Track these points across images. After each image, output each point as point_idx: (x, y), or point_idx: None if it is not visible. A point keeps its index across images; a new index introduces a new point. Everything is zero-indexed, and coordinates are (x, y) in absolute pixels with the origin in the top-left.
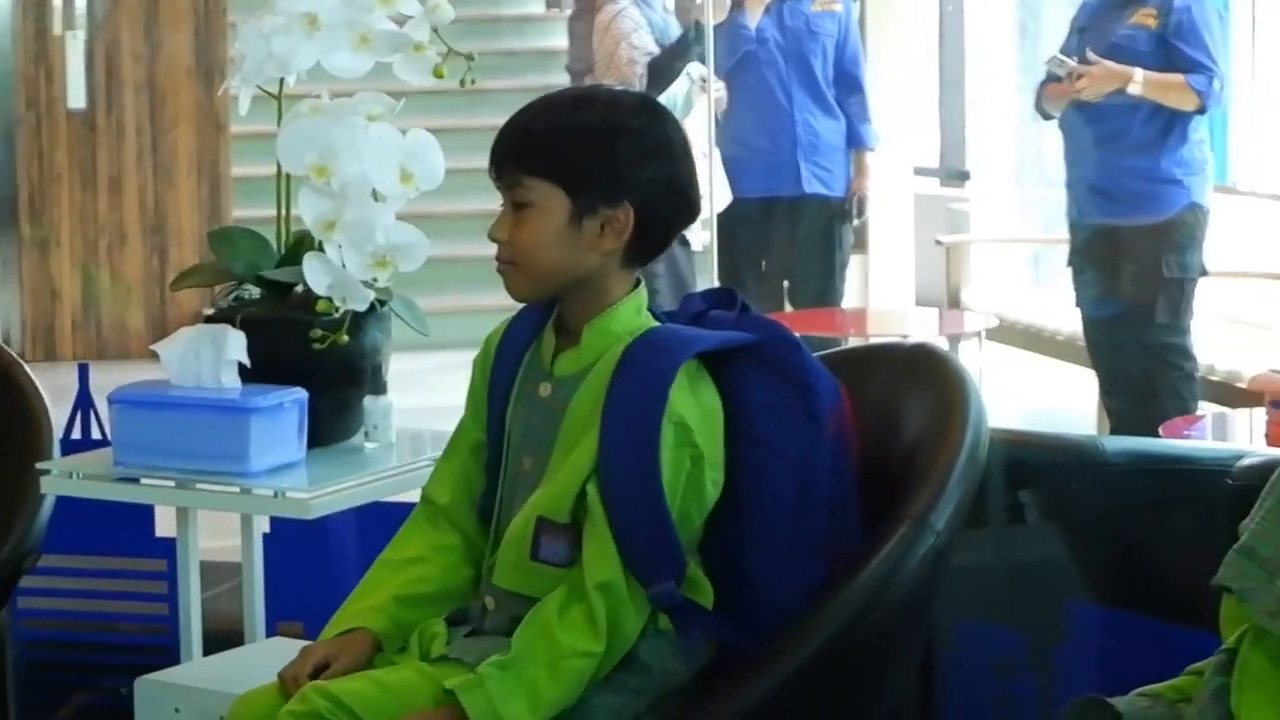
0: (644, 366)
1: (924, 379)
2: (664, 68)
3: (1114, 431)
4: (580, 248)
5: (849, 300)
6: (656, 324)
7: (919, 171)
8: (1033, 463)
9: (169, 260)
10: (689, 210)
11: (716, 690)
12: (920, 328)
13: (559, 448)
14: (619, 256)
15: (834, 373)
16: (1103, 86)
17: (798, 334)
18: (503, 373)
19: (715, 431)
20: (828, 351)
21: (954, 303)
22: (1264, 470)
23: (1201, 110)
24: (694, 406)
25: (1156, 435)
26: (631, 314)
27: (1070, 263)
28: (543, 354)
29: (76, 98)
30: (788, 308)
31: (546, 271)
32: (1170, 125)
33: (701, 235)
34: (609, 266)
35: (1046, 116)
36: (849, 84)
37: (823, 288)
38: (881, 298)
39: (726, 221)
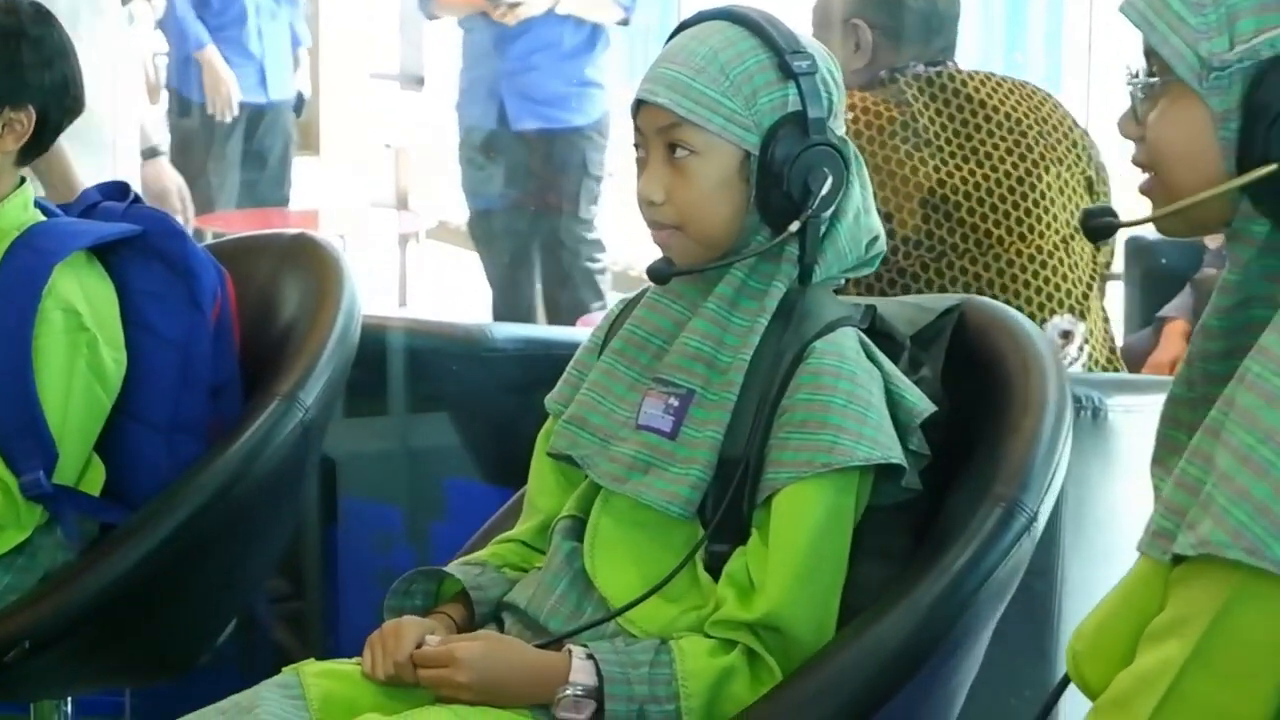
0: (25, 260)
1: (302, 266)
2: None
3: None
4: None
5: (304, 201)
6: (44, 218)
7: (376, 76)
8: (428, 349)
9: None
10: (79, 110)
11: (86, 563)
12: (370, 227)
13: None
14: (14, 156)
15: (220, 261)
16: (535, 9)
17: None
18: None
19: (109, 315)
20: (212, 242)
21: (403, 204)
22: None
23: (625, 22)
24: (82, 294)
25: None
26: (19, 210)
27: (469, 162)
28: None
29: None
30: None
31: None
32: (594, 36)
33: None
34: (4, 165)
35: (431, 17)
36: None
37: (272, 191)
38: (335, 199)
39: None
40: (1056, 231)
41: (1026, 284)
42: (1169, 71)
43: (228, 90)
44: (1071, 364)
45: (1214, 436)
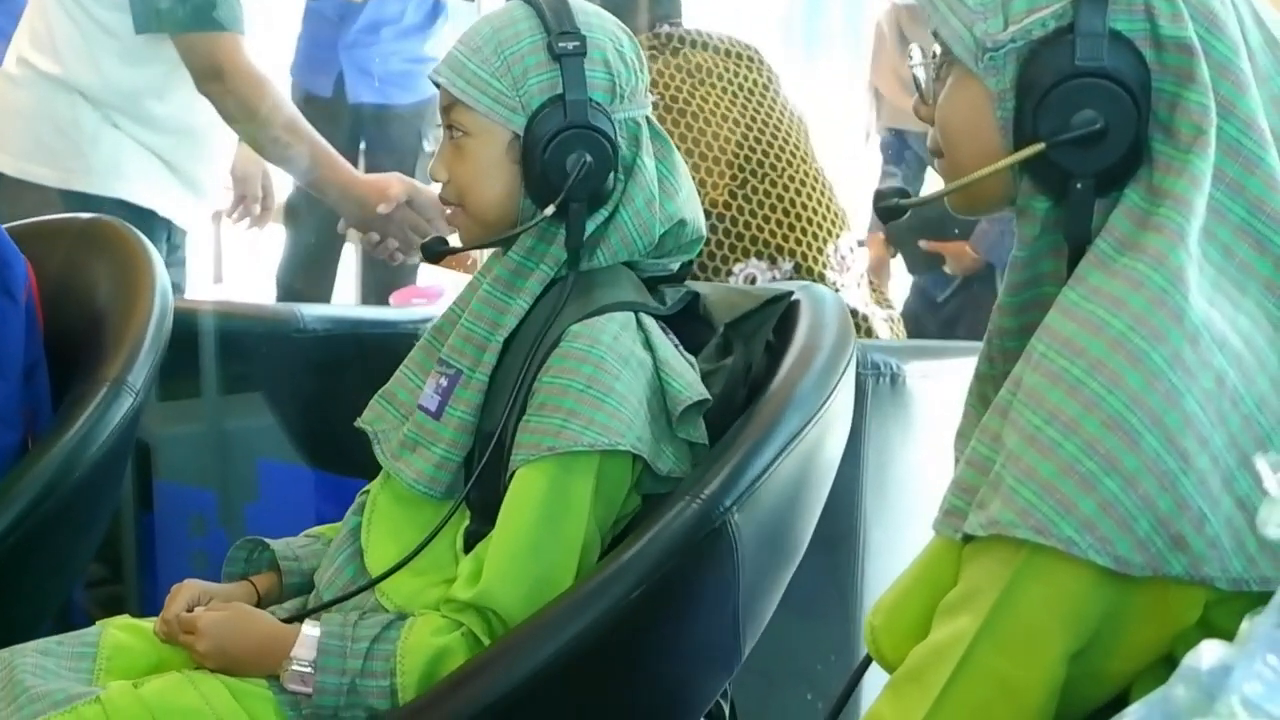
0: None
1: (105, 250)
2: None
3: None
4: None
5: None
6: None
7: None
8: (239, 330)
9: None
10: None
11: None
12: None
13: None
14: None
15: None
16: None
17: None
18: None
19: None
20: (9, 225)
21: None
22: None
23: None
24: None
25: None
26: None
27: None
28: None
29: None
30: None
31: None
32: (435, 11)
33: None
34: None
35: None
36: None
37: None
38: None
39: None
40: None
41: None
42: (950, 53)
43: None
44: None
45: (1002, 416)
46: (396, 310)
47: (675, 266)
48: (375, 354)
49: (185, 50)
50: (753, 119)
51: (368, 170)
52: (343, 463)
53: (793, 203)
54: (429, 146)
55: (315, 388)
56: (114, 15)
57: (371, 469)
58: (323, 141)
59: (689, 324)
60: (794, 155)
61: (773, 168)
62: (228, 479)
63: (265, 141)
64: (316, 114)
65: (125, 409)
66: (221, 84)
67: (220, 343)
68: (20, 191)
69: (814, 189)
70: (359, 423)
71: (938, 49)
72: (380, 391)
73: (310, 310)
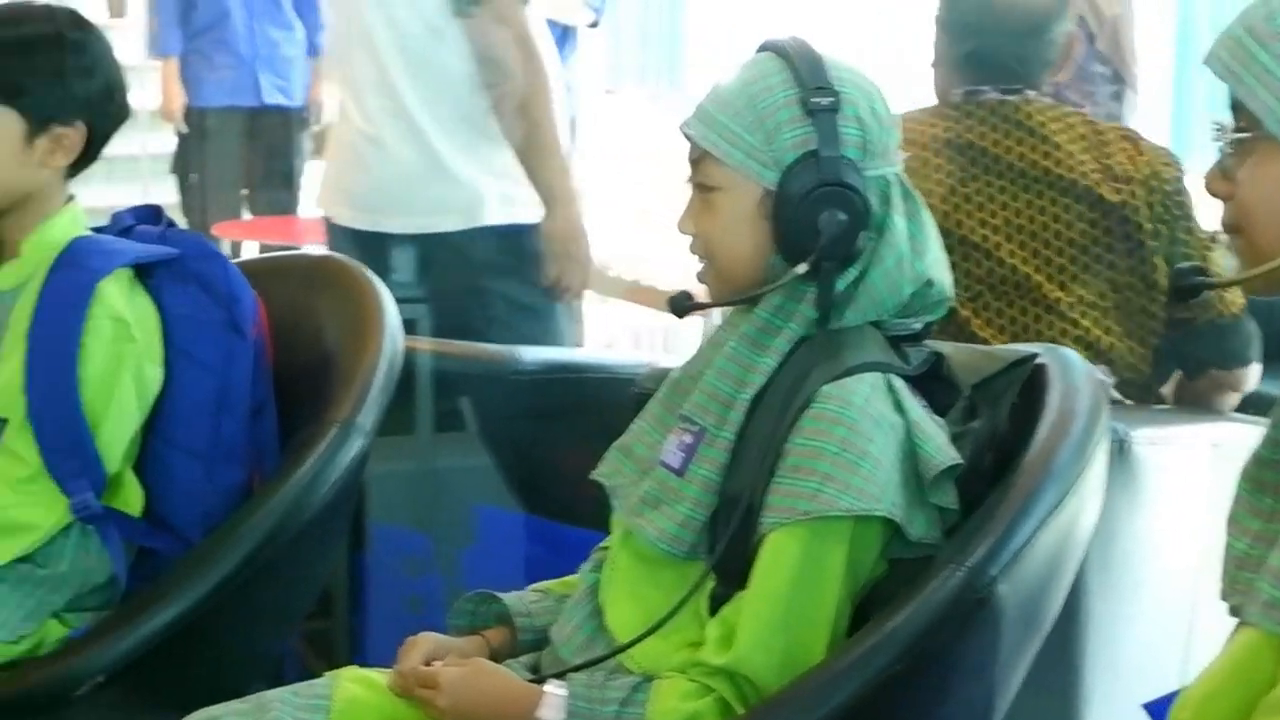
0: (74, 270)
1: (333, 288)
2: None
3: None
4: (31, 166)
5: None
6: (88, 234)
7: None
8: (455, 371)
9: None
10: (125, 117)
11: (147, 599)
12: None
13: (5, 354)
14: (64, 171)
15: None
16: None
17: (261, 242)
18: None
19: (152, 332)
20: (239, 260)
21: None
22: (663, 378)
23: (595, 24)
24: (130, 306)
25: None
26: (68, 225)
27: None
28: None
29: None
30: (246, 215)
31: None
32: (564, 39)
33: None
34: (54, 181)
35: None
36: None
37: (281, 199)
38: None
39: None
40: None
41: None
42: (1259, 126)
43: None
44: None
45: None
46: (614, 355)
47: (918, 326)
48: (592, 399)
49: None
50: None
51: None
52: (559, 510)
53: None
54: None
55: (531, 432)
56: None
57: (589, 518)
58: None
59: (933, 385)
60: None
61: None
62: (443, 523)
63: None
64: None
65: (354, 451)
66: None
67: (436, 383)
68: (431, 247)
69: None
70: (595, 475)
71: (1234, 121)
72: (616, 444)
73: (528, 353)
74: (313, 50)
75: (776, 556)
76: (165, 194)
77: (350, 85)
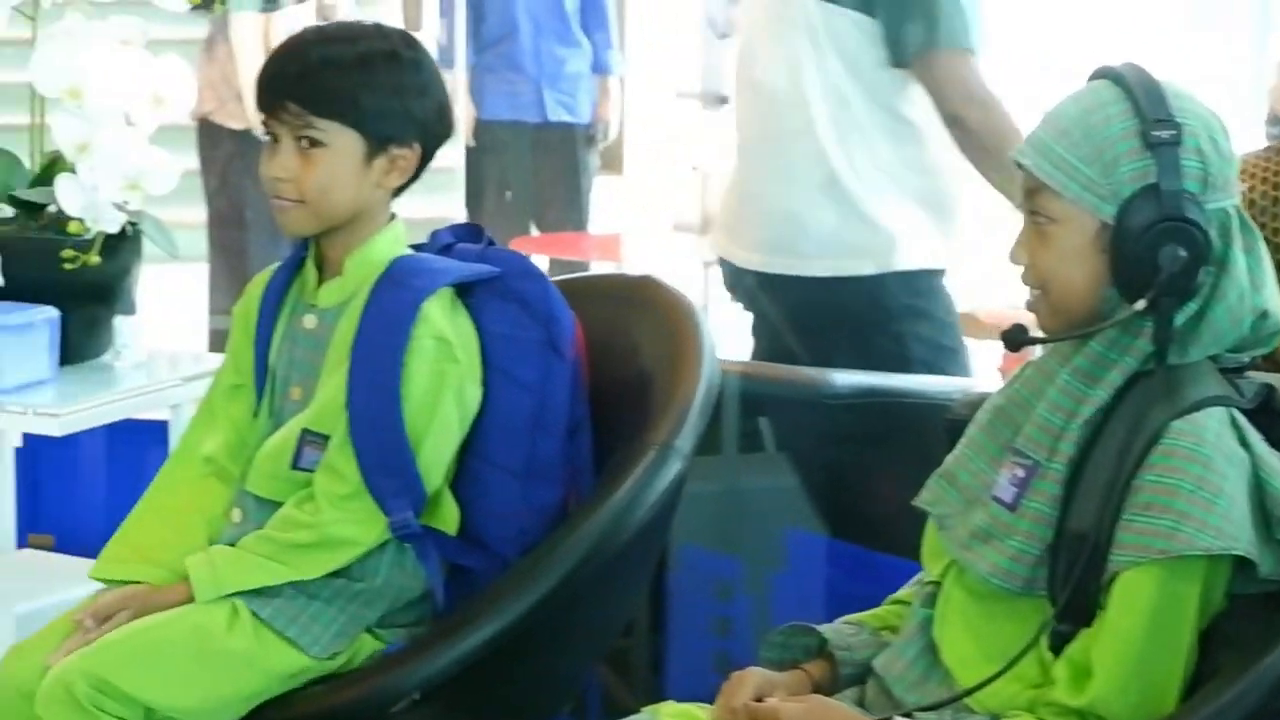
0: (398, 290)
1: (649, 309)
2: None
3: None
4: (368, 185)
5: (603, 223)
6: (409, 253)
7: (680, 96)
8: (765, 393)
9: None
10: (450, 135)
11: (464, 617)
12: (674, 253)
13: (326, 371)
14: (394, 190)
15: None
16: None
17: (550, 257)
18: (267, 315)
19: (474, 352)
20: (555, 279)
21: (708, 229)
22: (980, 404)
23: None
24: (453, 326)
25: None
26: (390, 243)
27: None
28: (306, 289)
29: None
30: (534, 231)
31: (334, 211)
32: None
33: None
34: (383, 200)
35: (722, 35)
36: (594, 8)
37: (569, 215)
38: (636, 221)
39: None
40: None
41: None
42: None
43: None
44: None
45: None
46: (927, 381)
47: (1247, 359)
48: (905, 425)
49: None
50: None
51: None
52: (868, 535)
53: None
54: None
55: (842, 456)
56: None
57: (900, 545)
58: None
59: (1263, 418)
60: None
61: None
62: (753, 546)
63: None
64: None
65: (672, 474)
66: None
67: (747, 405)
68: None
69: None
70: (918, 503)
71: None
72: (938, 471)
73: (841, 377)
74: (600, 68)
75: (1132, 596)
76: (446, 206)
77: (757, 127)
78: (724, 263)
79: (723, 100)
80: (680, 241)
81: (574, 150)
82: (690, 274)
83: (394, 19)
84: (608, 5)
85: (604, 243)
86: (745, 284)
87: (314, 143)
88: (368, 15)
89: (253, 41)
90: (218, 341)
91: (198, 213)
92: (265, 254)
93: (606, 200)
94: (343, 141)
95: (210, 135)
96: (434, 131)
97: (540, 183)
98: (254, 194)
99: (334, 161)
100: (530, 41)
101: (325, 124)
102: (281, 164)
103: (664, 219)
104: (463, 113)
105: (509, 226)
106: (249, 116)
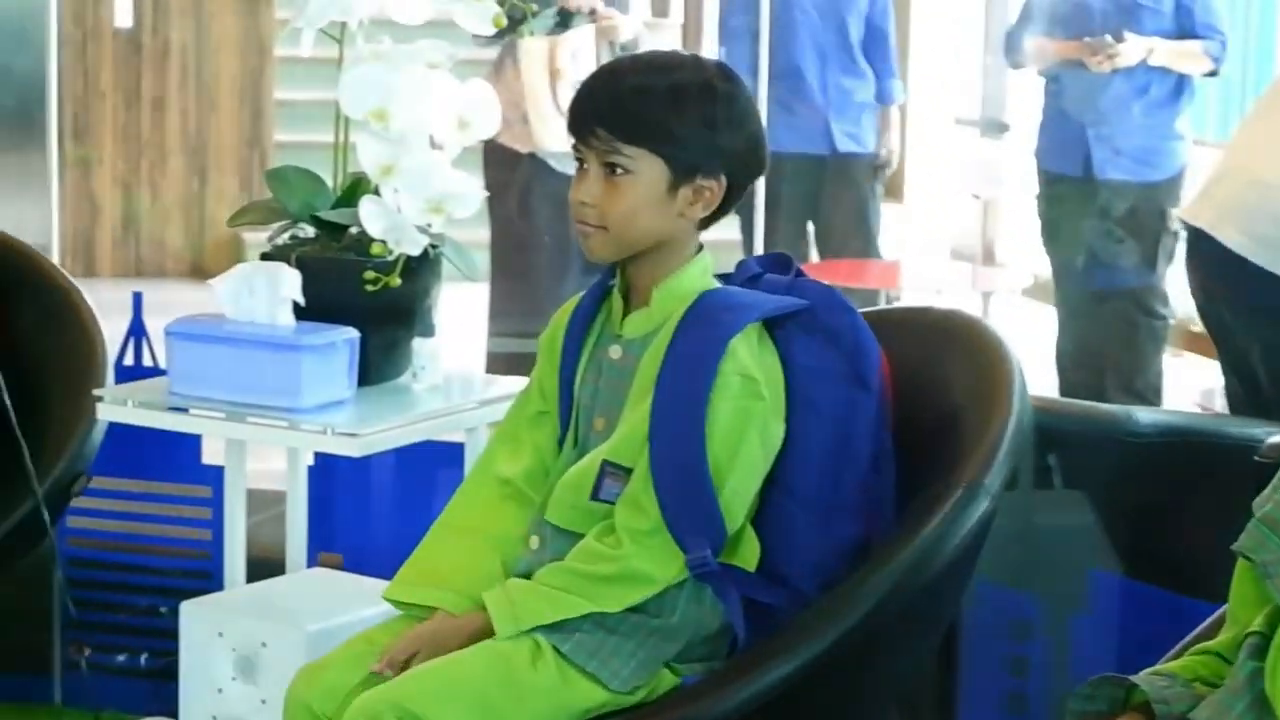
0: (705, 325)
1: (960, 345)
2: None
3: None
4: (671, 214)
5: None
6: (719, 285)
7: (959, 123)
8: (1063, 429)
9: (209, 182)
10: (762, 172)
11: (765, 653)
12: (953, 282)
13: (630, 403)
14: (699, 221)
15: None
16: (1130, 59)
17: (830, 283)
18: (572, 343)
19: (779, 388)
20: (863, 311)
21: (988, 257)
22: None
23: (1213, 73)
24: (759, 362)
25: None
26: (698, 275)
27: (1048, 215)
28: (613, 319)
29: (123, 17)
30: (814, 258)
31: (636, 238)
32: (1180, 87)
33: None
34: (689, 230)
35: (1017, 66)
36: (877, 39)
37: (856, 244)
38: (916, 249)
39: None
40: None
41: None
42: None
43: None
44: None
45: None
46: (1234, 422)
47: None
48: (1210, 466)
49: None
50: None
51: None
52: (1175, 580)
53: None
54: (1172, 225)
55: (1146, 497)
56: None
57: (1206, 589)
58: None
59: None
60: None
61: None
62: (1052, 585)
63: None
64: (1066, 192)
65: (980, 513)
66: None
67: (1043, 440)
68: None
69: None
70: (1238, 548)
71: None
72: (1259, 516)
73: (1144, 414)
74: (884, 98)
75: None
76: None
77: None
78: (1193, 229)
79: (1003, 128)
80: (959, 269)
81: (861, 180)
82: (969, 302)
83: (673, 46)
84: (890, 34)
85: (883, 270)
86: (1214, 258)
87: (621, 169)
88: (653, 42)
89: (540, 64)
90: (494, 364)
91: (467, 233)
92: (548, 278)
93: (886, 227)
94: (648, 169)
95: (496, 157)
96: (743, 165)
97: (828, 213)
98: (539, 217)
99: (638, 189)
100: (817, 73)
101: (632, 151)
102: (587, 189)
103: (943, 246)
104: None
105: (793, 254)
106: (534, 139)
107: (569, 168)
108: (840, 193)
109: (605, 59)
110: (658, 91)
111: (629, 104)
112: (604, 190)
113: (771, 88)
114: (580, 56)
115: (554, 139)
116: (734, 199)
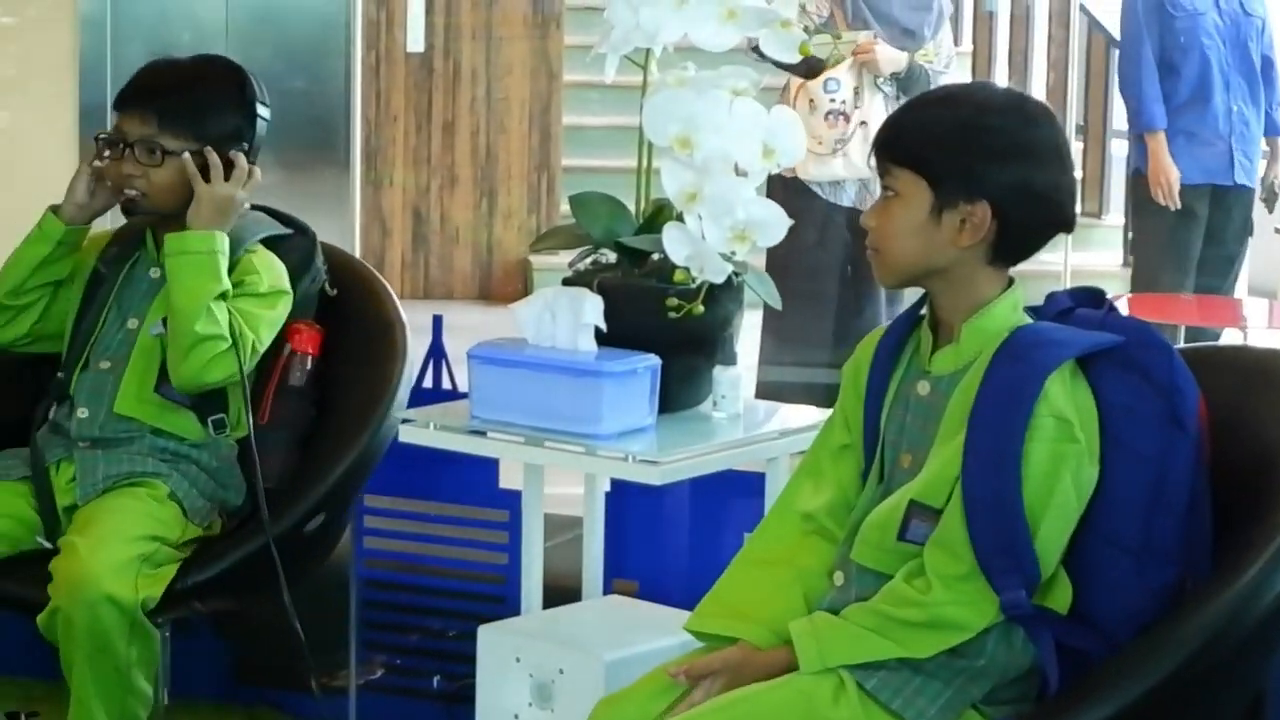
0: (1018, 363)
1: (1276, 383)
2: None
3: None
4: (938, 241)
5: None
6: (1028, 322)
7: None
8: None
9: (497, 205)
10: (1051, 215)
11: (1079, 696)
12: (1251, 318)
13: (938, 441)
14: (983, 254)
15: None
16: None
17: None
18: (878, 376)
19: (1093, 429)
20: (1179, 348)
21: None
22: None
23: None
24: (1073, 403)
25: None
26: (1008, 311)
27: None
28: (921, 353)
29: (415, 42)
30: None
31: (901, 261)
32: None
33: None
34: (973, 263)
35: None
36: (1266, 67)
37: (1226, 278)
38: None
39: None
40: None
41: None
42: None
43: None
44: None
45: None
46: None
47: None
48: None
49: None
50: None
51: None
52: None
53: None
54: None
55: None
56: None
57: None
58: None
59: None
60: None
61: None
62: None
63: None
64: None
65: None
66: None
67: None
68: None
69: None
70: None
71: None
72: None
73: None
74: (1273, 129)
75: None
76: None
77: None
78: None
79: None
80: (1257, 306)
81: (1248, 213)
82: (1268, 338)
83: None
84: (1276, 63)
85: (1221, 307)
86: None
87: (891, 191)
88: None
89: (801, 94)
90: (764, 392)
91: None
92: (817, 306)
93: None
94: (913, 192)
95: (770, 182)
96: (1013, 201)
97: (1211, 245)
98: (808, 245)
99: (903, 211)
100: (1223, 102)
101: (900, 173)
102: (870, 212)
103: (1241, 282)
104: (1169, 173)
105: (1168, 288)
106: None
107: (831, 194)
108: (1228, 226)
109: (866, 92)
110: (927, 119)
111: (901, 130)
112: (879, 212)
113: (1182, 118)
114: (841, 87)
115: (816, 168)
116: (1019, 237)
